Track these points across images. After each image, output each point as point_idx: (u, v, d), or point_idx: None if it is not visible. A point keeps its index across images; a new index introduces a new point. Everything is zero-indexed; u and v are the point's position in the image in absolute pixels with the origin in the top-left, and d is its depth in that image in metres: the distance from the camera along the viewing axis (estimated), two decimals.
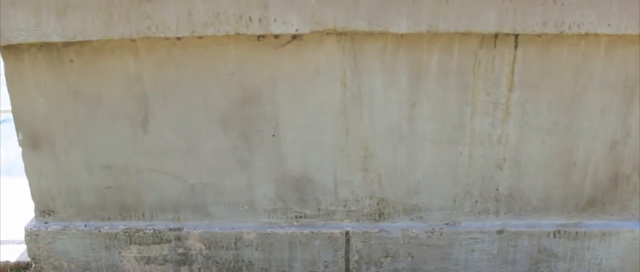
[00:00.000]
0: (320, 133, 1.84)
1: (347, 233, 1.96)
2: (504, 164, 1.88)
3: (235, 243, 1.98)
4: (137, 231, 1.98)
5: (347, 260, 1.98)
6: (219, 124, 1.84)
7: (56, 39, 1.72)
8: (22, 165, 1.95)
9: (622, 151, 1.87)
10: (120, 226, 1.99)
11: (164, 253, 2.00)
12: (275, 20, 1.66)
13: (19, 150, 1.93)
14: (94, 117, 1.85)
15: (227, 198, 1.95)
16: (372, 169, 1.89)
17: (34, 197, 1.99)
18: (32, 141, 1.90)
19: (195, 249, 1.99)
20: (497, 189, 1.91)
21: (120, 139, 1.87)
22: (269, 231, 1.96)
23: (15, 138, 1.93)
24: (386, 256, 1.98)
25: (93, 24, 1.70)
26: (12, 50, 1.79)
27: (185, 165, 1.90)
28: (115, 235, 1.99)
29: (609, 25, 1.68)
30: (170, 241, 1.99)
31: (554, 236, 1.95)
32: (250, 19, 1.66)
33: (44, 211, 2.01)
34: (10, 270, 2.13)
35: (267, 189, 1.93)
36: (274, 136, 1.85)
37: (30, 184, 1.97)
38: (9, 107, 1.92)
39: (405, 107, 1.80)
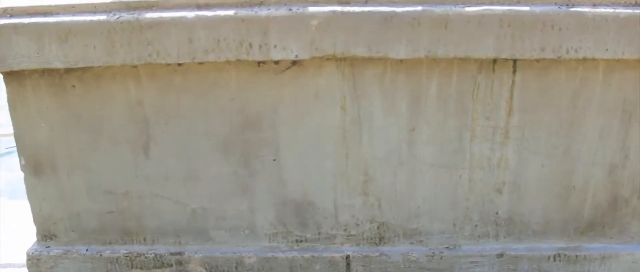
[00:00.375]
0: (321, 157, 1.85)
1: (347, 257, 1.97)
2: (503, 188, 1.89)
3: (236, 267, 1.98)
4: (139, 255, 1.99)
5: None
6: (219, 149, 1.85)
7: (58, 65, 1.73)
8: (23, 187, 1.96)
9: (621, 174, 1.88)
10: (122, 250, 2.00)
11: None
12: (275, 46, 1.67)
13: (20, 172, 1.94)
14: (95, 142, 1.87)
15: (228, 222, 1.95)
16: (372, 193, 1.90)
17: (35, 221, 2.00)
18: (34, 166, 1.91)
19: None
20: (497, 213, 1.92)
21: (122, 164, 1.88)
22: (269, 255, 1.97)
23: (17, 160, 1.94)
24: None
25: (95, 50, 1.71)
26: (14, 76, 1.81)
27: (186, 190, 1.91)
28: (117, 259, 2.00)
29: (607, 50, 1.69)
30: (172, 266, 1.99)
31: (554, 260, 1.96)
32: (251, 46, 1.68)
33: (45, 236, 2.02)
34: None
35: (268, 214, 1.94)
36: (274, 160, 1.86)
37: (32, 209, 1.98)
38: (11, 131, 1.94)
39: (404, 131, 1.82)
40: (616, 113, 1.81)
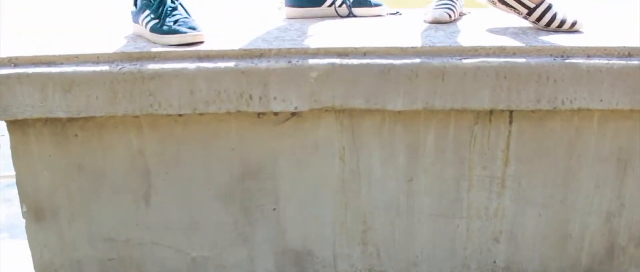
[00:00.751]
0: (320, 207, 1.87)
1: None
2: (501, 237, 1.90)
3: None
4: None
5: None
6: (220, 198, 1.87)
7: (61, 114, 1.76)
8: (22, 225, 1.97)
9: (617, 222, 1.89)
10: None
11: None
12: (275, 98, 1.70)
13: (19, 211, 1.95)
14: (97, 190, 1.88)
15: (228, 271, 1.96)
16: (371, 243, 1.91)
17: (36, 268, 2.01)
18: (36, 213, 1.92)
19: None
20: (495, 262, 1.93)
21: (123, 212, 1.90)
22: None
23: (16, 198, 1.95)
24: None
25: (97, 100, 1.74)
26: (18, 125, 1.83)
27: (186, 238, 1.92)
28: None
29: (601, 100, 1.72)
30: None
31: None
32: (251, 97, 1.70)
33: None
34: None
35: (267, 263, 1.95)
36: (274, 209, 1.88)
37: (33, 256, 1.99)
38: (12, 172, 1.95)
39: (402, 182, 1.84)
40: (611, 162, 1.83)
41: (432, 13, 2.05)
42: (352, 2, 2.18)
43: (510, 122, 1.78)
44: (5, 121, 1.82)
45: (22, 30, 2.10)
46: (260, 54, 1.72)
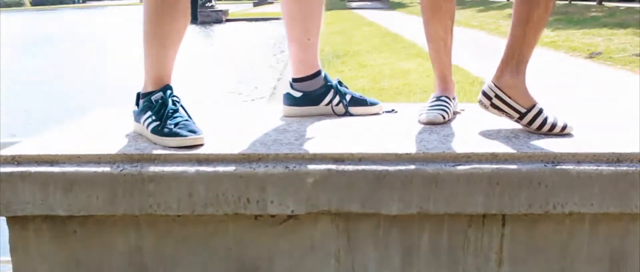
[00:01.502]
0: None
1: None
2: None
3: None
4: None
5: None
6: None
7: (61, 213, 1.79)
8: None
9: None
10: None
11: None
12: (272, 201, 1.74)
13: None
14: None
15: None
16: None
17: None
18: None
19: None
20: None
21: None
22: None
23: None
24: None
25: (97, 200, 1.77)
26: (18, 220, 1.86)
27: None
28: None
29: (592, 204, 1.75)
30: None
31: None
32: (248, 201, 1.74)
33: None
34: None
35: None
36: None
37: None
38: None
39: None
40: (604, 263, 1.86)
41: (426, 114, 2.10)
42: (349, 101, 2.24)
43: (503, 225, 1.81)
44: (5, 217, 1.84)
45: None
46: (258, 159, 1.76)
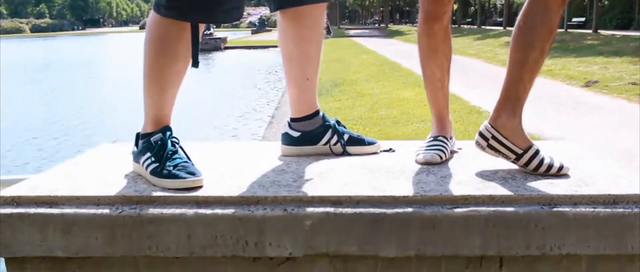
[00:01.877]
0: None
1: None
2: None
3: None
4: None
5: None
6: None
7: (60, 254, 1.79)
8: None
9: None
10: None
11: None
12: (270, 244, 1.74)
13: None
14: None
15: None
16: None
17: None
18: None
19: None
20: None
21: None
22: None
23: None
24: None
25: (96, 241, 1.77)
26: (16, 261, 1.86)
27: None
28: None
29: (588, 246, 1.76)
30: None
31: None
32: (247, 243, 1.74)
33: None
34: None
35: None
36: None
37: None
38: None
39: None
40: None
41: (423, 155, 2.11)
42: (347, 140, 2.25)
43: (501, 266, 1.82)
44: (3, 257, 1.85)
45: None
46: (256, 201, 1.77)
